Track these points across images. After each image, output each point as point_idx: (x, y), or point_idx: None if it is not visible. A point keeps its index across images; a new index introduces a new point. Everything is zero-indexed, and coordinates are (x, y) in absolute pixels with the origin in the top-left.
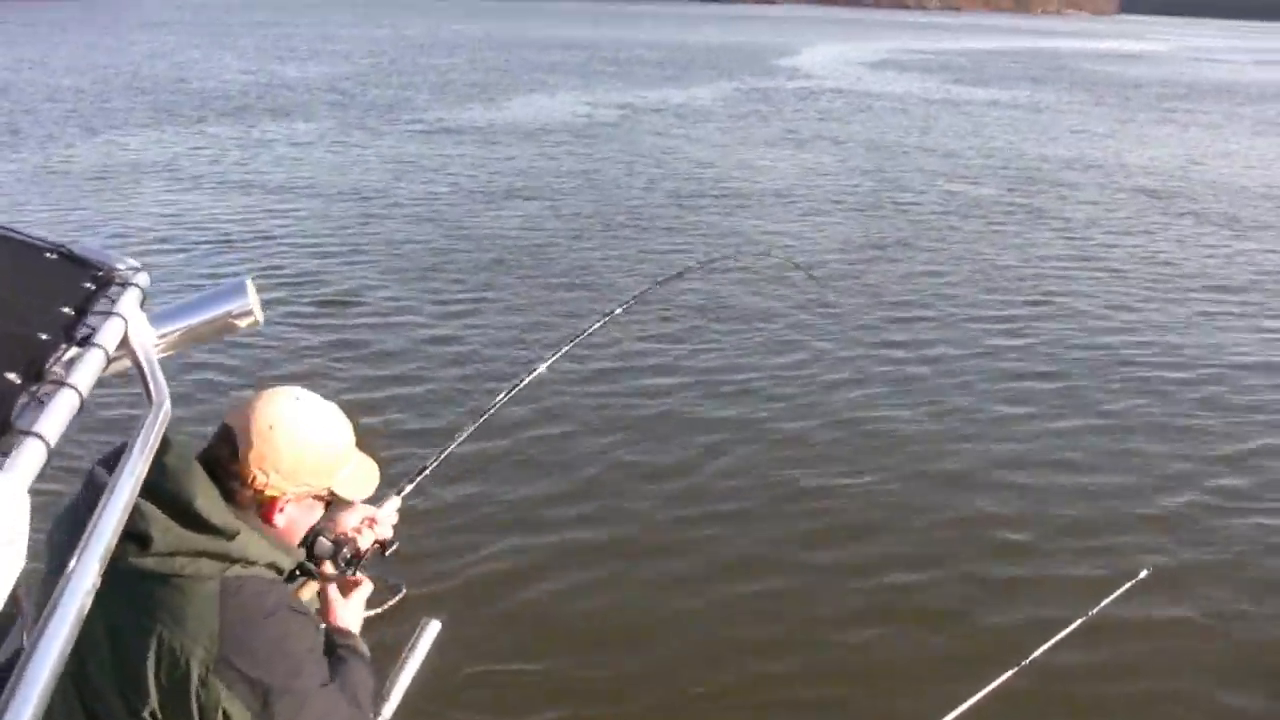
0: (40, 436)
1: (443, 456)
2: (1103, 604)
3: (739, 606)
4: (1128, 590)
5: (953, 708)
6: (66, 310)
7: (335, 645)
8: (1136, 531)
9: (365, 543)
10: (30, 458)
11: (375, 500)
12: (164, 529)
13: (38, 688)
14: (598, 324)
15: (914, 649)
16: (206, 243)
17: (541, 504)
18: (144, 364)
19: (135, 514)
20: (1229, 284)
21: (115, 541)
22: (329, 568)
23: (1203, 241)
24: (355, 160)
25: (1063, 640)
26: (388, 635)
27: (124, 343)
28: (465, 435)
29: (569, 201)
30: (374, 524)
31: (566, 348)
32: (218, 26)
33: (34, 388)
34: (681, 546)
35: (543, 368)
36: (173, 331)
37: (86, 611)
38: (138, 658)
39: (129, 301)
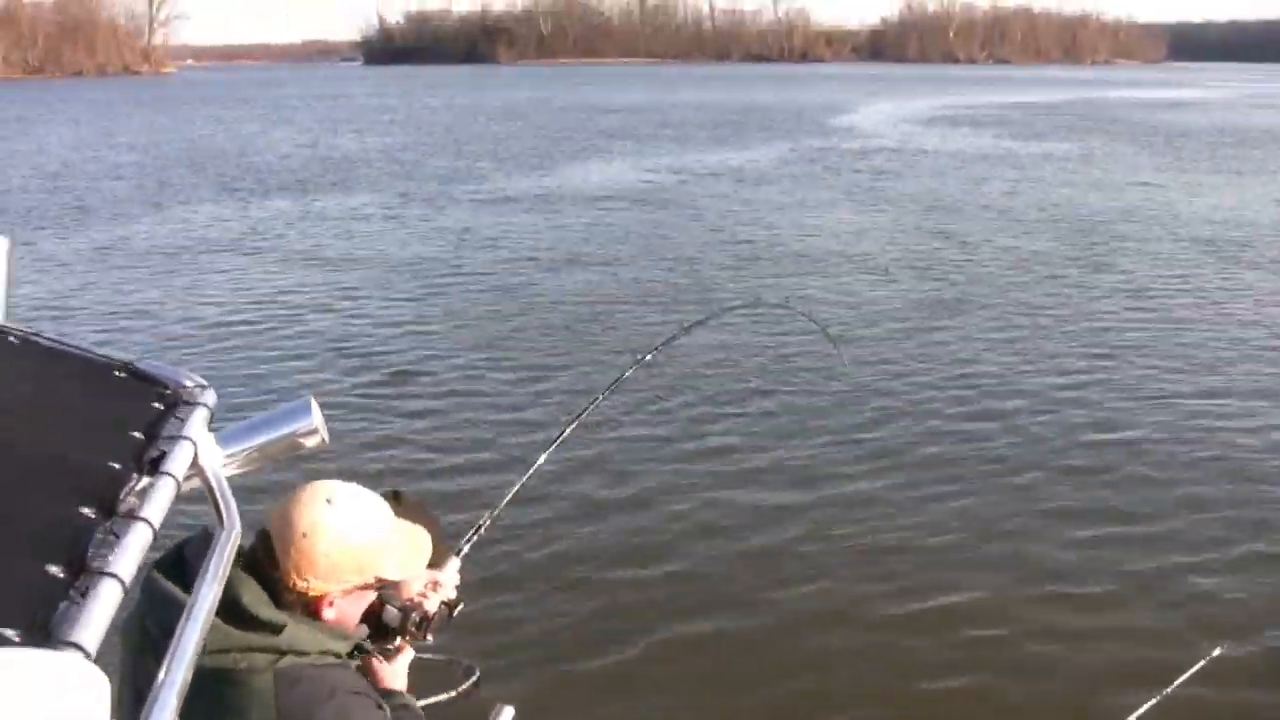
0: (117, 578)
1: (496, 512)
2: (1173, 686)
3: (813, 667)
4: (1198, 671)
5: None
6: (136, 435)
7: (391, 708)
8: (1207, 609)
9: (432, 606)
10: (106, 602)
11: (436, 563)
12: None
13: None
14: (629, 370)
15: None
16: (271, 318)
17: (605, 566)
18: (214, 486)
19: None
20: None
21: (191, 674)
22: (396, 640)
23: (1269, 295)
24: (416, 231)
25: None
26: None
27: (193, 464)
28: (516, 489)
29: (629, 268)
30: (438, 587)
31: (602, 395)
32: (267, 101)
33: (108, 522)
34: (752, 604)
35: (587, 411)
36: (240, 452)
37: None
38: None
39: (198, 423)
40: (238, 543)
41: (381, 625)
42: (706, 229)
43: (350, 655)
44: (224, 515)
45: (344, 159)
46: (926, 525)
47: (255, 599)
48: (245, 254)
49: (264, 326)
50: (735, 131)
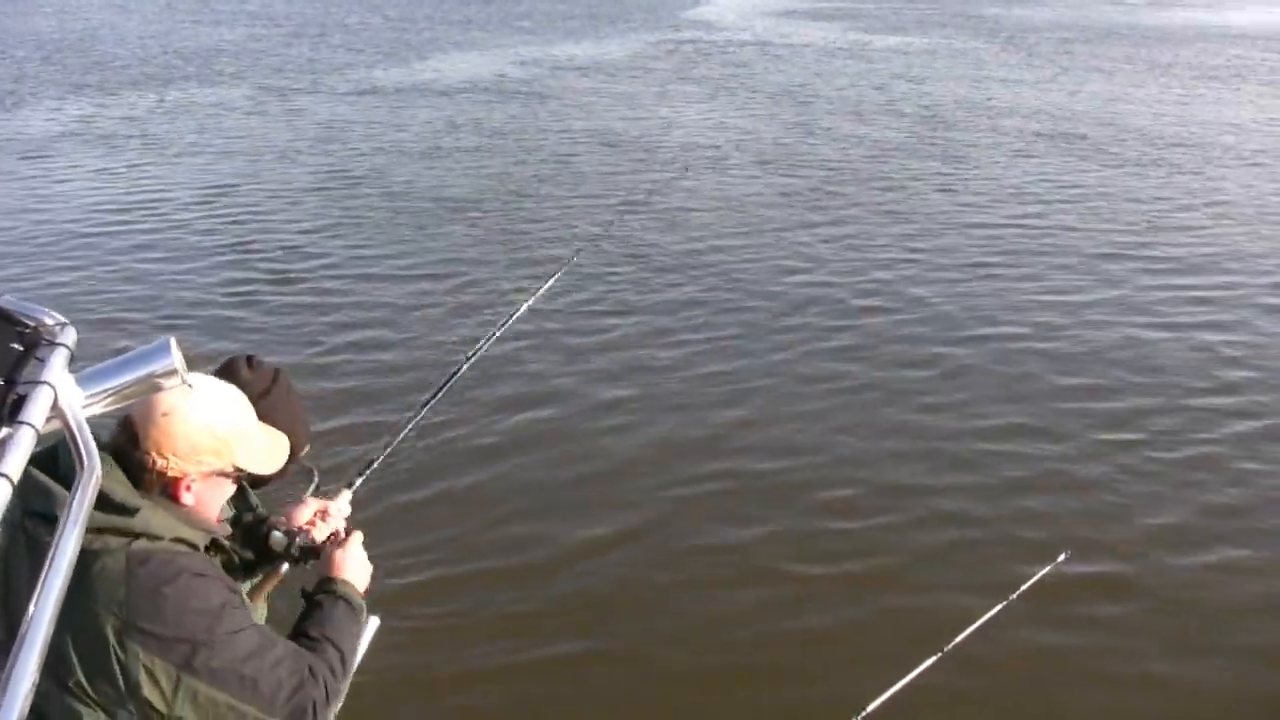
0: None
1: (388, 451)
2: (1022, 589)
3: (658, 598)
4: (1047, 574)
5: (874, 697)
6: None
7: (316, 594)
8: (1052, 518)
9: (319, 536)
10: None
11: (328, 494)
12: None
13: None
14: (516, 314)
15: (831, 640)
16: (136, 220)
17: (485, 503)
18: (75, 429)
19: (43, 496)
20: (1127, 231)
21: (54, 624)
22: (282, 566)
23: (1097, 183)
24: (279, 124)
25: (983, 626)
26: None
27: (54, 407)
28: (407, 430)
29: (495, 159)
30: (326, 516)
31: (490, 339)
32: None
33: None
34: (615, 536)
35: (464, 368)
36: (99, 394)
37: (35, 685)
38: (57, 632)
39: (58, 366)
40: (98, 484)
41: (267, 549)
42: (569, 122)
43: (208, 550)
44: (84, 458)
45: (200, 50)
46: (777, 425)
47: (112, 482)
48: (106, 152)
49: (127, 231)
50: (590, 23)
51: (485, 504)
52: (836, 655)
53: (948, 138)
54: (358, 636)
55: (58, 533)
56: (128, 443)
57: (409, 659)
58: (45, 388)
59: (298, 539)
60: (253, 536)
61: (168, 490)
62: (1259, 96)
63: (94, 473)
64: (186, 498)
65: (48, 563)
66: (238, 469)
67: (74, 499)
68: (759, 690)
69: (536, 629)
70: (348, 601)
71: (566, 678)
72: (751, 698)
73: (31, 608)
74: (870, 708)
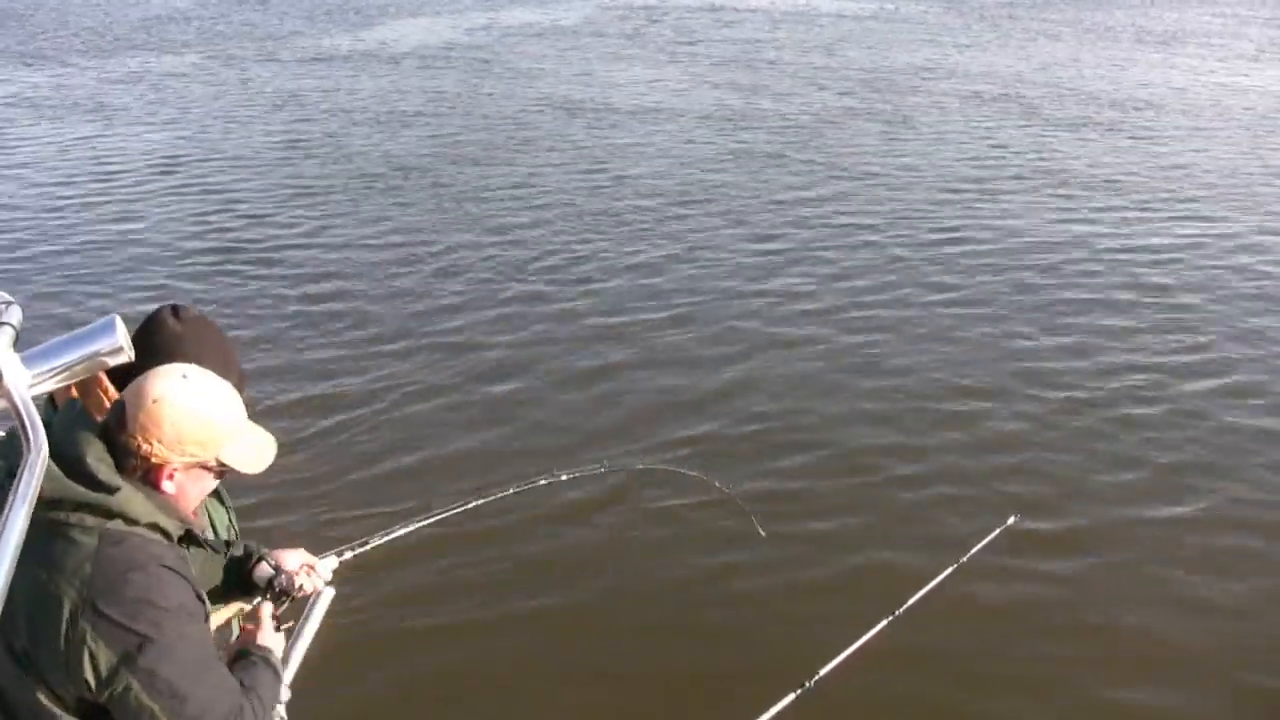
0: None
1: (387, 539)
2: (972, 552)
3: (620, 560)
4: (996, 538)
5: (824, 663)
6: None
7: (249, 653)
8: (1002, 479)
9: (298, 583)
10: None
11: (318, 552)
12: (50, 476)
13: None
14: (542, 480)
15: (781, 606)
16: (82, 182)
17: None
18: (21, 409)
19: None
20: (1071, 194)
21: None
22: (266, 602)
23: (1044, 145)
24: (231, 93)
25: (934, 589)
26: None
27: None
28: (407, 529)
29: (449, 124)
30: (311, 571)
31: (505, 492)
32: None
33: None
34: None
35: (470, 505)
36: (45, 373)
37: None
38: (17, 596)
39: (3, 345)
40: (45, 463)
41: (250, 581)
42: (522, 87)
43: (180, 542)
44: (31, 437)
45: (146, 18)
46: (720, 389)
47: (98, 459)
48: (55, 123)
49: (78, 204)
50: None
51: (450, 471)
52: (786, 622)
53: (893, 102)
54: (275, 700)
55: (4, 513)
56: (115, 424)
57: (375, 617)
58: None
59: (280, 578)
60: (238, 567)
61: (149, 477)
62: (1198, 59)
63: (40, 452)
64: (167, 486)
65: None
66: (221, 464)
67: (21, 479)
68: (710, 658)
69: (505, 587)
70: (273, 669)
71: (529, 632)
72: (702, 667)
73: None
74: (819, 674)
